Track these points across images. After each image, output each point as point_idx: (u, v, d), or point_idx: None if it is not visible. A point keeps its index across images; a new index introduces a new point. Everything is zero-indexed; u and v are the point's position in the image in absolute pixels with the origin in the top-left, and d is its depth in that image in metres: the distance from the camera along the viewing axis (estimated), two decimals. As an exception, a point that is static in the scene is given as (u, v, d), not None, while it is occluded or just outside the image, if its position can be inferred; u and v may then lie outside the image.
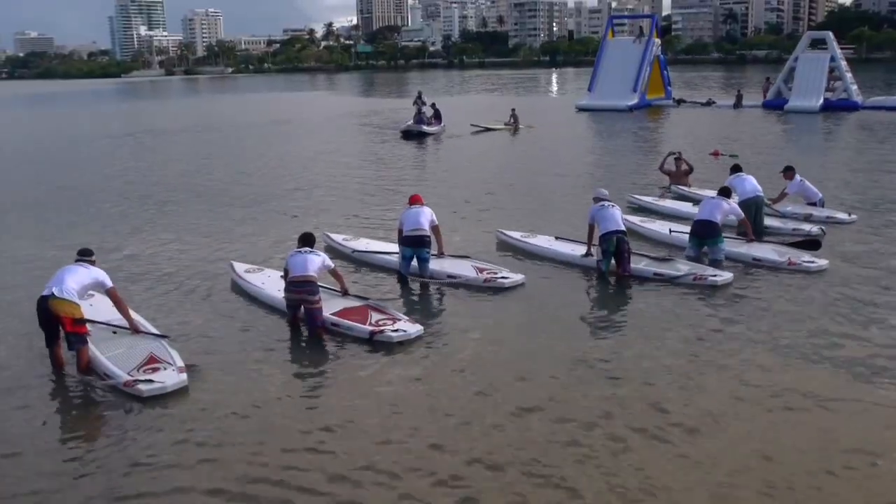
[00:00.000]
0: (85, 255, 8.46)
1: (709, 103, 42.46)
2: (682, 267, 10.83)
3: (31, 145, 32.61)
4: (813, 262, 10.94)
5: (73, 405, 7.35)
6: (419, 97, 36.05)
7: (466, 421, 6.59)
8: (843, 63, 38.48)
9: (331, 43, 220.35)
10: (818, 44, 40.17)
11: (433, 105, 33.18)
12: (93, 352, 7.82)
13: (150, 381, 7.25)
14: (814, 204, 14.52)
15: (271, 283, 10.20)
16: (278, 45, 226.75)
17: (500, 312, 9.52)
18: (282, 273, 9.36)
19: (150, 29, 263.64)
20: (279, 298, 9.39)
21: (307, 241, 9.21)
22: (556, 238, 12.34)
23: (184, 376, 7.38)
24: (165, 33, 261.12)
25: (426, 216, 10.78)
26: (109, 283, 8.28)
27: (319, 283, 8.95)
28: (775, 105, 38.31)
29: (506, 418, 6.61)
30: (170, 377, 7.34)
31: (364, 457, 5.99)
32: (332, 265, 9.23)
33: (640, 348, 8.17)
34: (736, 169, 13.81)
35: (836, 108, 36.73)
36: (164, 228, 14.78)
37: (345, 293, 9.55)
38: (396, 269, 11.02)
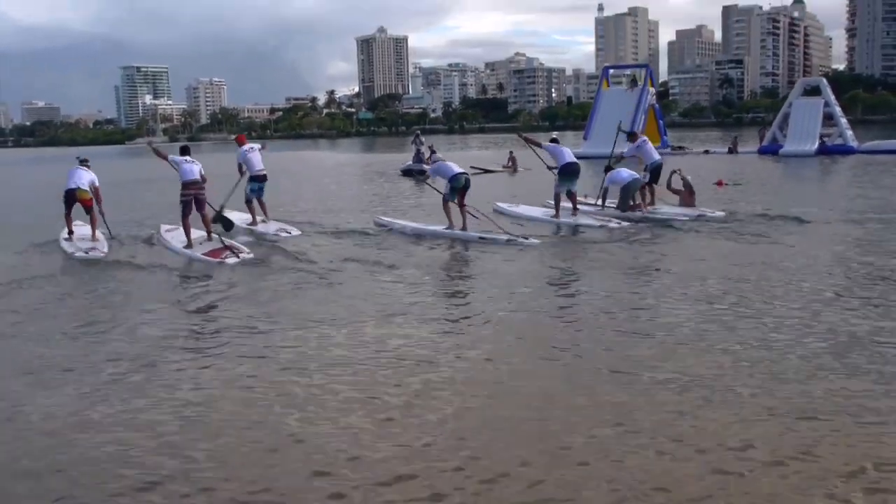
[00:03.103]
0: (84, 162, 14.49)
1: (706, 153, 42.65)
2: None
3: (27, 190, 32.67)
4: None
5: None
6: (417, 137, 36.29)
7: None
8: (838, 108, 38.72)
9: (333, 110, 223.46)
10: (812, 91, 40.50)
11: (430, 146, 33.30)
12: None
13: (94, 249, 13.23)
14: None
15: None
16: (281, 113, 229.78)
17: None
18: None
19: (155, 98, 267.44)
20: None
21: (186, 151, 13.65)
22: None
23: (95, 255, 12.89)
24: (170, 102, 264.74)
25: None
26: (97, 183, 14.21)
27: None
28: (770, 150, 38.42)
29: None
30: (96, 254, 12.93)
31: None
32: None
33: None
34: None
35: (831, 152, 36.78)
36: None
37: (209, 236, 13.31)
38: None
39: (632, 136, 18.00)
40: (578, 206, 15.94)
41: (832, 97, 39.04)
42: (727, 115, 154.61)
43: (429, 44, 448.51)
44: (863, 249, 12.07)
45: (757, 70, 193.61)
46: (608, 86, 46.66)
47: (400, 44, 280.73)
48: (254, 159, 15.31)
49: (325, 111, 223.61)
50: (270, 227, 15.03)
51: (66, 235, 14.15)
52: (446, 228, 14.35)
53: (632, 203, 16.31)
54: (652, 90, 44.20)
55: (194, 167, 13.18)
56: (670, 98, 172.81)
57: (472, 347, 7.49)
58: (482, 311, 8.84)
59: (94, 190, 13.98)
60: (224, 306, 9.51)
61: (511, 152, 34.12)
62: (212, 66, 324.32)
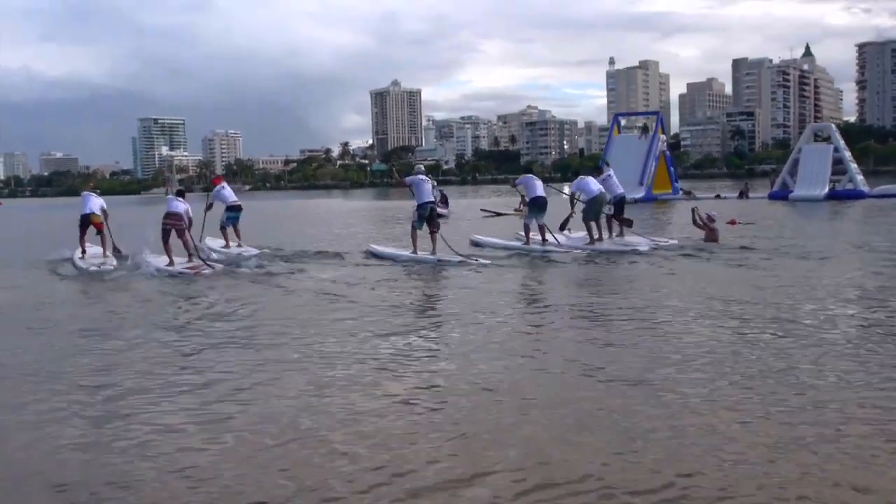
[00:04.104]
0: (94, 190, 17.69)
1: (717, 197, 42.83)
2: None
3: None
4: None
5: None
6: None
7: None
8: (847, 153, 38.90)
9: (346, 162, 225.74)
10: (821, 137, 40.78)
11: (441, 190, 33.68)
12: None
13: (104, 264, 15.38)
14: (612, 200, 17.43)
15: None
16: (295, 164, 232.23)
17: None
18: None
19: (171, 149, 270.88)
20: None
21: (182, 193, 15.81)
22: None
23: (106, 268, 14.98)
24: (186, 153, 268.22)
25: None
26: (105, 207, 16.77)
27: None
28: (781, 196, 38.48)
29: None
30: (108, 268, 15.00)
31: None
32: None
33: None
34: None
35: (841, 196, 36.86)
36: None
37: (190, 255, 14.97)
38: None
39: (597, 171, 18.80)
40: (547, 238, 16.95)
41: (841, 142, 39.26)
42: (739, 166, 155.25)
43: (441, 97, 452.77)
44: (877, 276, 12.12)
45: (768, 122, 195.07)
46: (619, 132, 47.06)
47: (413, 97, 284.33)
48: (227, 194, 17.67)
49: (338, 163, 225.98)
50: (234, 250, 17.03)
51: (80, 255, 16.28)
52: (411, 253, 15.53)
53: (597, 235, 17.10)
54: (663, 137, 44.55)
55: (179, 204, 15.22)
56: (682, 149, 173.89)
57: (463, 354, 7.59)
58: (448, 322, 8.96)
59: (103, 212, 16.57)
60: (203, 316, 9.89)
61: (523, 196, 34.34)
62: (228, 118, 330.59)
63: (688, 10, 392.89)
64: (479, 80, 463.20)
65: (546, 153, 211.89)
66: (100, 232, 16.40)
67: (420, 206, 15.38)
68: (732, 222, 22.32)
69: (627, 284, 12.43)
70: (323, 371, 7.07)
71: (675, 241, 17.15)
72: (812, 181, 37.77)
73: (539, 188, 16.76)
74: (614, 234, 17.63)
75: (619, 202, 17.74)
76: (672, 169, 46.32)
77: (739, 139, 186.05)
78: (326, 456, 4.99)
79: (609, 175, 18.00)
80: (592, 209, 16.98)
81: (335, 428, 5.51)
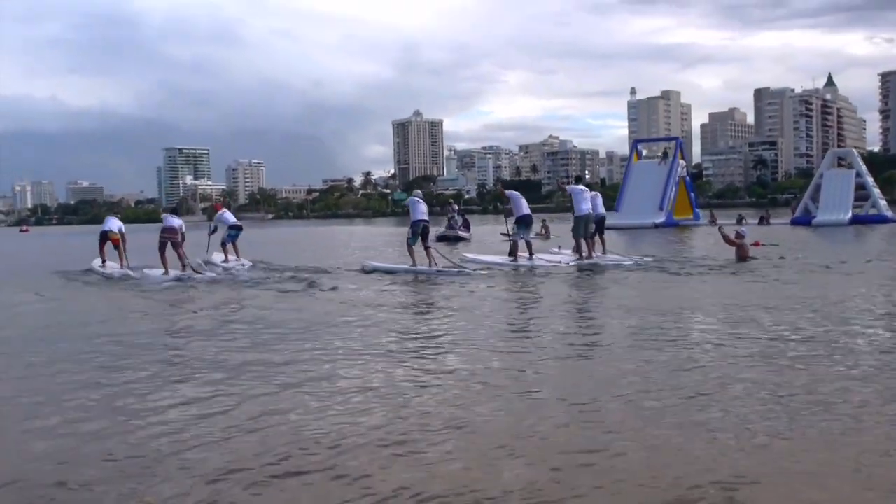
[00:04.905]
0: (115, 212, 21.95)
1: (739, 220, 42.57)
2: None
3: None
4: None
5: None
6: (450, 206, 37.01)
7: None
8: (869, 178, 38.63)
9: (368, 191, 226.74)
10: (843, 162, 40.51)
11: (463, 214, 34.16)
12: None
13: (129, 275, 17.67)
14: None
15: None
16: (318, 194, 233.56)
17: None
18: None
19: (195, 178, 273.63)
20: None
21: (176, 210, 20.28)
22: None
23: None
24: (210, 182, 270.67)
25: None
26: (123, 229, 19.01)
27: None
28: (803, 221, 38.24)
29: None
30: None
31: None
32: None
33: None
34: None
35: (866, 221, 36.56)
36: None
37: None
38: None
39: (578, 180, 21.20)
40: (534, 253, 18.23)
41: (863, 167, 39.07)
42: (762, 195, 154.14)
43: (463, 127, 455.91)
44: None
45: (791, 151, 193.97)
46: (639, 158, 47.02)
47: (435, 127, 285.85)
48: (227, 217, 20.17)
49: (360, 192, 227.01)
50: (232, 263, 19.14)
51: (100, 263, 18.97)
52: (411, 266, 16.90)
53: (585, 251, 18.15)
54: (682, 162, 44.47)
55: (174, 220, 17.99)
56: (704, 179, 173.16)
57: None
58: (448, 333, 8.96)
59: (121, 233, 18.96)
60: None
61: (544, 220, 34.49)
62: (251, 147, 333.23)
63: (709, 40, 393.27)
64: (501, 111, 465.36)
65: (567, 183, 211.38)
66: (116, 247, 18.90)
67: (414, 224, 16.99)
68: (756, 244, 22.21)
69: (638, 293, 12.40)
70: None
71: (651, 258, 18.55)
72: (835, 206, 37.52)
73: (525, 207, 18.10)
74: (597, 251, 18.78)
75: (600, 221, 19.16)
76: (692, 194, 46.20)
77: (762, 168, 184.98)
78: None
79: (594, 195, 19.32)
80: (579, 226, 18.16)
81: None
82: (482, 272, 16.40)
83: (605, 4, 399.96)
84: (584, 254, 18.09)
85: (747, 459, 4.48)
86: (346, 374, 7.09)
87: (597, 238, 19.09)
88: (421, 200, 17.51)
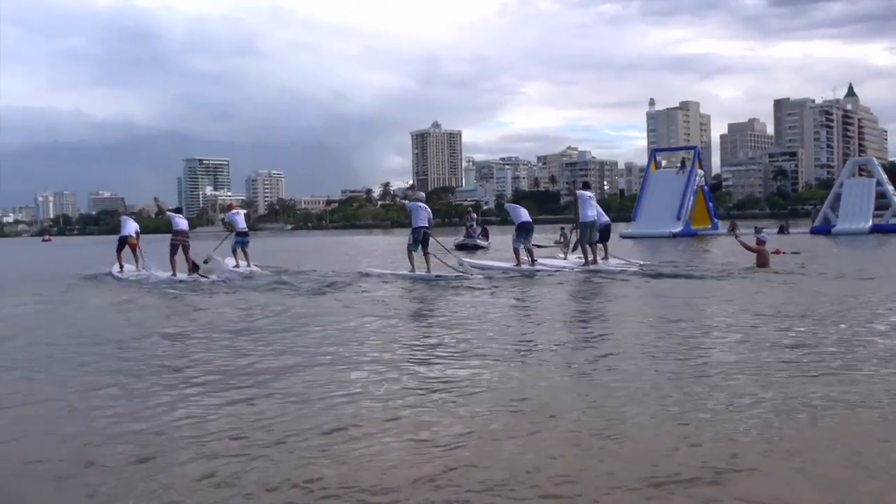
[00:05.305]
0: (132, 215, 23.79)
1: (758, 230, 42.29)
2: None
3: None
4: None
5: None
6: (468, 215, 37.11)
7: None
8: (890, 187, 38.36)
9: (387, 202, 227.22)
10: (863, 171, 40.28)
11: (483, 225, 34.28)
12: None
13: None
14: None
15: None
16: (336, 204, 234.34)
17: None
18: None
19: (215, 189, 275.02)
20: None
21: (179, 210, 21.11)
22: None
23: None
24: (229, 193, 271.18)
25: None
26: (139, 230, 20.35)
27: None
28: (823, 230, 38.05)
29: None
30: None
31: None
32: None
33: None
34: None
35: (886, 230, 36.27)
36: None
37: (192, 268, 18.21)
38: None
39: (586, 186, 21.37)
40: (535, 259, 18.80)
41: (884, 176, 38.83)
42: (782, 206, 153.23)
43: (482, 139, 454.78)
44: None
45: (811, 162, 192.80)
46: (656, 168, 46.88)
47: (454, 138, 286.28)
48: (239, 220, 20.37)
49: (379, 203, 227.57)
50: (244, 269, 19.63)
51: (119, 268, 19.80)
52: (409, 272, 17.31)
53: (590, 257, 18.54)
54: (700, 172, 44.31)
55: (182, 221, 18.83)
56: (724, 190, 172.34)
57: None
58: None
59: (137, 234, 20.19)
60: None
61: (562, 228, 34.47)
62: (271, 158, 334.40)
63: (728, 51, 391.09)
64: (520, 122, 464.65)
65: (576, 188, 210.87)
66: (134, 251, 19.90)
67: (415, 230, 17.32)
68: (777, 252, 22.16)
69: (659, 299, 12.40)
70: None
71: (642, 262, 19.26)
72: (855, 215, 37.32)
73: (524, 215, 18.58)
74: (600, 257, 19.03)
75: (605, 229, 19.46)
76: (711, 204, 46.02)
77: (782, 180, 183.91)
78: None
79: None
80: (585, 232, 18.56)
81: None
82: (479, 276, 16.87)
83: (625, 16, 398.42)
84: (589, 259, 18.47)
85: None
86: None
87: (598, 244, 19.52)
88: (423, 207, 17.90)
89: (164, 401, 6.07)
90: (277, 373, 7.03)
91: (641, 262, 19.26)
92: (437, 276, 16.68)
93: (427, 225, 17.46)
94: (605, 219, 19.78)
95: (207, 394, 6.29)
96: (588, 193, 19.42)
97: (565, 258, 20.41)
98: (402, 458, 4.57)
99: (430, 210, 18.00)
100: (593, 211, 18.63)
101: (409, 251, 17.48)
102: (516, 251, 18.44)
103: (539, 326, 10.05)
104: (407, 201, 18.92)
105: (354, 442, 4.87)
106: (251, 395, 6.21)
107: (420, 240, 17.21)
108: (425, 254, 17.31)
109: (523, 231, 18.43)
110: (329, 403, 5.84)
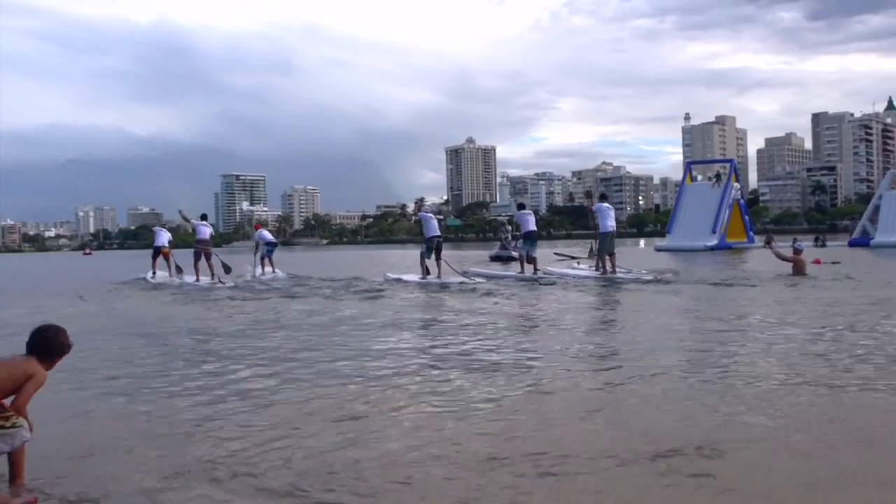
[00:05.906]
0: (164, 226, 28.23)
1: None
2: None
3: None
4: None
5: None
6: (503, 227, 37.43)
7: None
8: (930, 200, 37.91)
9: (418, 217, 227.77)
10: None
11: (516, 236, 34.30)
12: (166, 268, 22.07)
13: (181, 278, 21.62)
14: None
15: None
16: (371, 220, 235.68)
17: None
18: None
19: (251, 204, 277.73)
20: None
21: (205, 217, 22.38)
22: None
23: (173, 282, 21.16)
24: (266, 208, 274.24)
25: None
26: (171, 239, 23.69)
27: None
28: (860, 243, 37.75)
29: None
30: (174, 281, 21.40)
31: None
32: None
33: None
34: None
35: (926, 243, 35.83)
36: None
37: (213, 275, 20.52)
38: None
39: (603, 198, 21.58)
40: (538, 267, 19.48)
41: (923, 188, 38.34)
42: (820, 221, 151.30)
43: (516, 154, 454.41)
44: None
45: (850, 177, 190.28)
46: (692, 181, 46.70)
47: (488, 154, 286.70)
48: (266, 235, 23.73)
49: (413, 218, 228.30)
50: (267, 275, 22.38)
51: (152, 275, 22.56)
52: (422, 278, 18.53)
53: (608, 266, 18.97)
54: (737, 185, 44.07)
55: (206, 229, 21.01)
56: (761, 204, 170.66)
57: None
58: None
59: (170, 243, 23.14)
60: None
61: (593, 242, 34.56)
62: (306, 174, 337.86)
63: (764, 65, 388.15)
64: (554, 137, 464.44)
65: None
66: (167, 259, 22.46)
67: (429, 239, 18.56)
68: (817, 262, 22.13)
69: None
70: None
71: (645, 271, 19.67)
72: (894, 227, 36.88)
73: (530, 224, 19.28)
74: (608, 266, 19.35)
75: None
76: (747, 217, 45.73)
77: (821, 194, 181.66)
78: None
79: (607, 208, 20.15)
80: (604, 242, 19.06)
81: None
82: (480, 282, 17.89)
83: (660, 31, 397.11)
84: (607, 268, 18.99)
85: None
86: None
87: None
88: (433, 217, 19.24)
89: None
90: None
91: (645, 271, 19.72)
92: (443, 283, 17.87)
93: (439, 234, 18.78)
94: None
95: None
96: (606, 205, 19.96)
97: (578, 264, 21.66)
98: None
99: (440, 219, 19.48)
100: (612, 221, 19.35)
101: (423, 258, 18.73)
102: (521, 259, 19.57)
103: (620, 334, 10.18)
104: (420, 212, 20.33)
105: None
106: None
107: (434, 248, 18.52)
108: (437, 260, 18.53)
109: (529, 239, 19.39)
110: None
